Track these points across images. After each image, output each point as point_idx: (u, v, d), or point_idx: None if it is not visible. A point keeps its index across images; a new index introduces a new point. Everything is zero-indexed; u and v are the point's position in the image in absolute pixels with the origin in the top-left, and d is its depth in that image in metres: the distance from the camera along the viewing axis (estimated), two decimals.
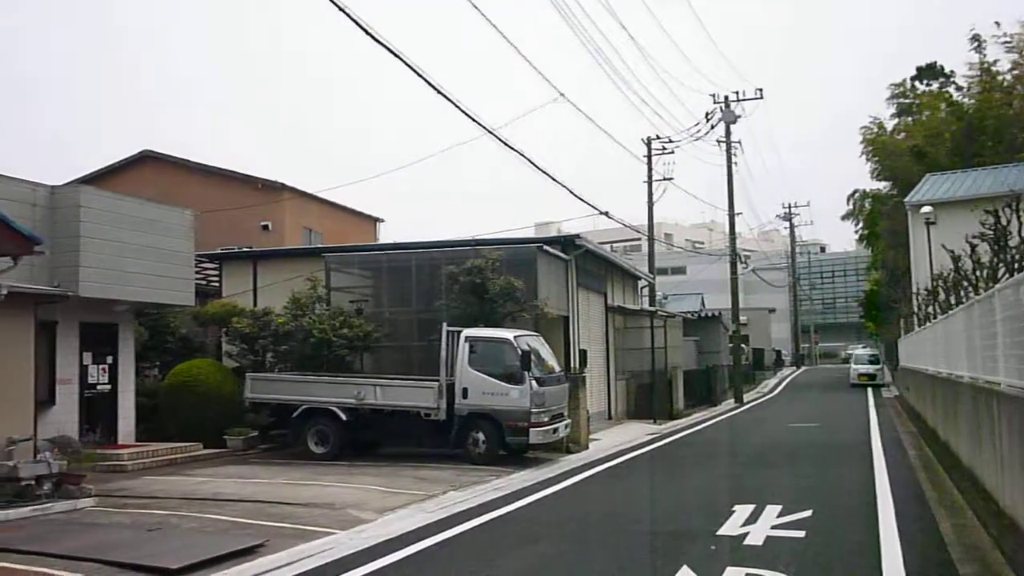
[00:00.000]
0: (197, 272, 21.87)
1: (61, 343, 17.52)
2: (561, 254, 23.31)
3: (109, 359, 18.92)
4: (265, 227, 32.21)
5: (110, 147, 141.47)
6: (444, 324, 18.57)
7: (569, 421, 19.14)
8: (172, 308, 21.26)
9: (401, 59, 13.12)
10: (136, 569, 8.80)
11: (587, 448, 20.29)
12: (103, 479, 15.10)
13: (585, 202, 33.31)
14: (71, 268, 16.60)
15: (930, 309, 22.13)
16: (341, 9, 11.42)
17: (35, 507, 12.20)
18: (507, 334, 18.30)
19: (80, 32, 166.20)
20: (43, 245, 14.07)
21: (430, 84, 14.02)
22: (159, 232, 18.71)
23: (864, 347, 60.74)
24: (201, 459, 18.67)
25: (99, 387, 18.62)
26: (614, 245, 66.33)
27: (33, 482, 12.71)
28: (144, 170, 33.88)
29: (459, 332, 18.31)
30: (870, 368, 48.63)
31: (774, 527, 10.51)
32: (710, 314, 44.52)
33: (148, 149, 34.80)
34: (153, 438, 19.57)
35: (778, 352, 74.97)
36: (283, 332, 20.77)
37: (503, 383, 17.58)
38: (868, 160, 44.33)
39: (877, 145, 43.51)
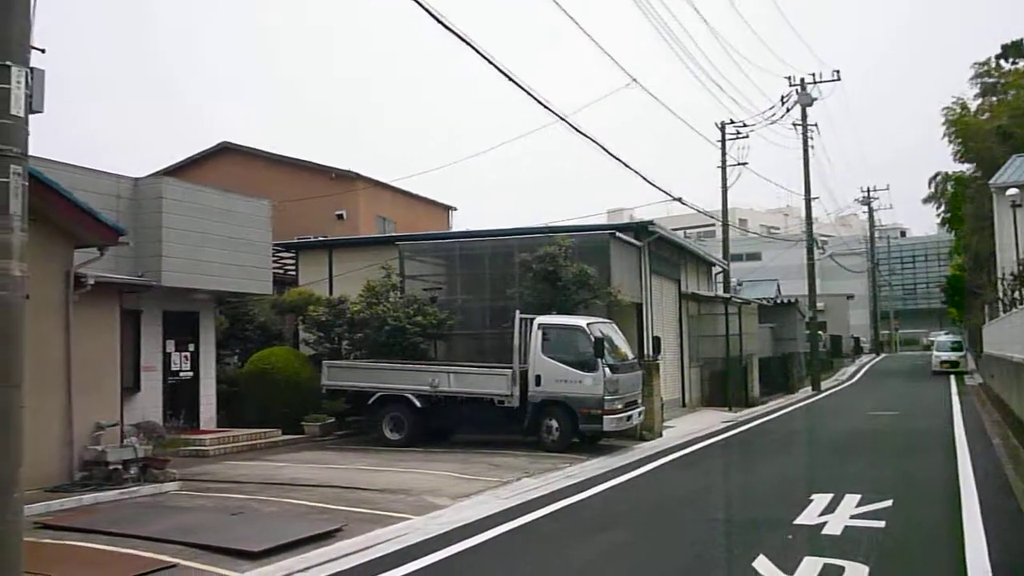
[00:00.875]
0: (274, 261, 22.26)
1: (145, 331, 18.01)
2: (634, 241, 23.17)
3: (191, 347, 19.38)
4: (339, 216, 32.61)
5: (187, 142, 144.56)
6: (517, 311, 18.62)
7: (643, 408, 19.05)
8: (251, 297, 21.70)
9: (472, 46, 13.16)
10: (220, 551, 9.01)
11: (661, 436, 20.18)
12: (186, 464, 15.49)
13: (658, 188, 33.16)
14: (154, 258, 17.04)
15: (1016, 294, 21.49)
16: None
17: (122, 490, 12.57)
18: (580, 321, 18.28)
19: (148, 31, 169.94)
20: (127, 236, 14.47)
21: (501, 71, 14.04)
22: (238, 222, 19.09)
23: (946, 334, 59.19)
24: (279, 445, 19.03)
25: (181, 374, 19.09)
26: (687, 231, 65.79)
27: (120, 466, 13.12)
28: (222, 162, 34.58)
29: (532, 319, 18.33)
30: (953, 355, 47.37)
31: (853, 516, 10.35)
32: (786, 300, 43.80)
33: (226, 141, 35.48)
34: (233, 424, 20.02)
35: (856, 339, 73.54)
36: (358, 320, 21.03)
37: (576, 370, 17.56)
38: (951, 142, 43.14)
39: (960, 126, 42.29)
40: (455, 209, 40.79)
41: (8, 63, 5.44)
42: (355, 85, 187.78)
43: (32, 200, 5.79)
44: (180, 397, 18.96)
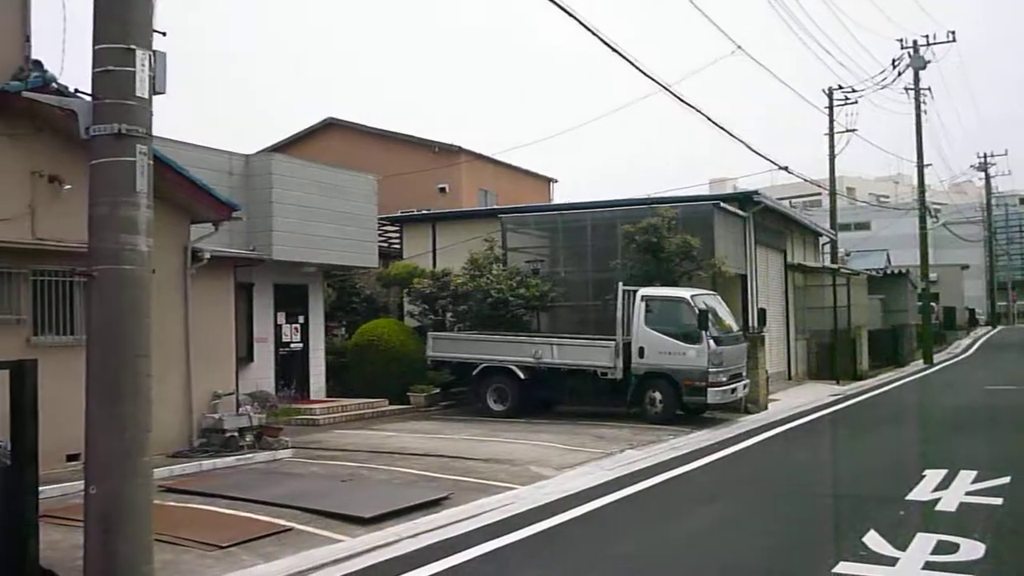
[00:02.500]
0: (379, 235, 22.62)
1: (257, 304, 18.55)
2: (738, 211, 22.81)
3: (300, 319, 19.91)
4: (442, 190, 32.91)
5: (294, 118, 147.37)
6: (620, 283, 18.56)
7: (748, 381, 18.83)
8: (357, 270, 22.13)
9: (575, 18, 13.08)
10: (333, 516, 9.29)
11: (766, 409, 19.92)
12: (297, 432, 15.96)
13: (764, 157, 32.38)
14: (265, 232, 17.52)
15: None
16: None
17: (238, 457, 13.05)
18: (684, 293, 18.13)
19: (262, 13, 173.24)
20: (240, 211, 14.90)
21: (605, 42, 13.93)
22: (345, 197, 19.47)
23: None
24: (386, 415, 19.44)
25: (292, 345, 19.64)
26: (792, 201, 64.28)
27: (236, 434, 13.60)
28: (328, 137, 35.19)
29: (635, 291, 18.25)
30: None
31: (968, 493, 10.08)
32: (897, 271, 42.56)
33: (331, 117, 36.08)
34: (341, 394, 20.51)
35: (971, 311, 71.04)
36: (462, 292, 21.26)
37: (680, 342, 17.45)
38: None
39: None
40: (556, 181, 40.77)
41: (132, 47, 5.67)
42: (455, 60, 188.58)
43: (152, 178, 6.03)
44: (290, 368, 19.52)
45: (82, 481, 10.31)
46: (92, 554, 5.36)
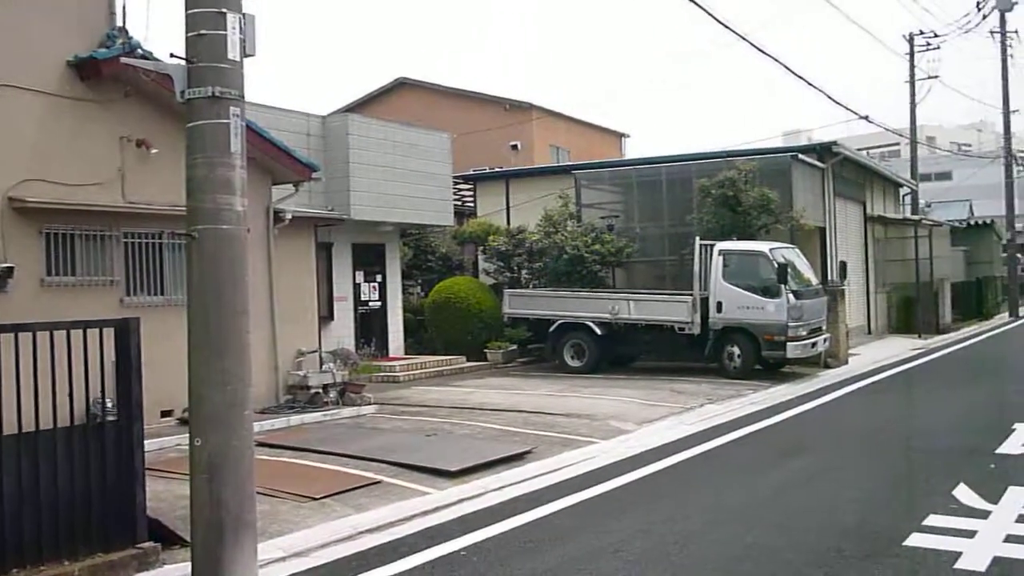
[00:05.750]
0: (453, 193, 22.74)
1: (336, 263, 18.86)
2: (817, 162, 22.39)
3: (378, 277, 20.18)
4: (514, 147, 32.88)
5: (363, 80, 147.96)
6: (697, 238, 18.42)
7: (828, 335, 18.59)
8: (433, 228, 22.30)
9: None
10: (419, 470, 9.49)
11: (846, 363, 19.66)
12: (378, 389, 16.24)
13: (844, 107, 31.72)
14: (343, 193, 17.75)
15: None
16: None
17: (324, 412, 13.36)
18: (762, 247, 17.92)
19: None
20: (318, 172, 15.10)
21: None
22: (420, 156, 19.59)
23: None
24: (464, 371, 19.66)
25: (371, 304, 19.93)
26: (870, 152, 62.73)
27: (321, 390, 13.91)
28: (400, 97, 35.35)
29: (712, 246, 18.10)
30: None
31: None
32: (980, 222, 41.40)
33: (403, 76, 36.22)
34: (419, 352, 20.81)
35: None
36: (537, 249, 21.32)
37: (759, 296, 17.29)
38: None
39: None
40: (628, 136, 40.53)
41: (224, 10, 5.76)
42: (524, 13, 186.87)
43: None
44: (370, 325, 19.83)
45: (176, 436, 10.84)
46: (198, 503, 5.55)
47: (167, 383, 9.42)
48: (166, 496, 8.00)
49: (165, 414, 11.97)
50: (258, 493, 6.45)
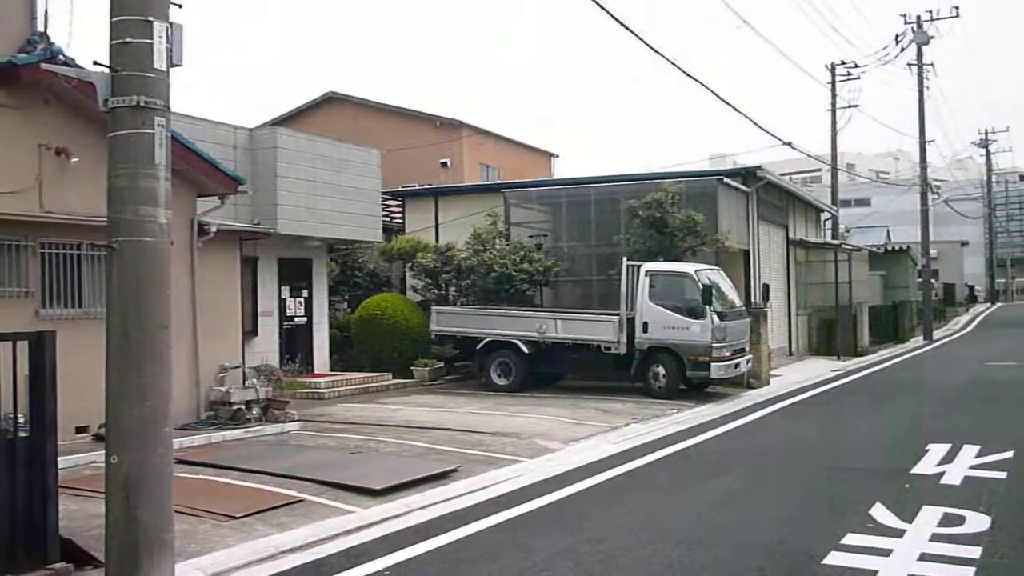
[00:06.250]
0: (382, 209, 22.61)
1: (262, 277, 18.58)
2: (741, 186, 22.81)
3: (305, 293, 19.93)
4: (444, 164, 32.86)
5: (292, 94, 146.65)
6: (624, 258, 18.59)
7: (750, 356, 18.91)
8: (361, 244, 22.16)
9: None
10: (344, 488, 9.36)
11: (768, 384, 20.01)
12: (303, 406, 16.02)
13: (768, 132, 32.25)
14: (270, 206, 17.51)
15: None
16: None
17: (247, 429, 13.12)
18: (688, 268, 18.17)
19: None
20: (245, 185, 14.89)
21: (612, 16, 13.86)
22: (349, 171, 19.44)
23: None
24: (391, 388, 19.51)
25: (296, 319, 19.67)
26: (793, 177, 64.15)
27: (243, 406, 13.67)
28: (330, 111, 35.10)
29: (639, 266, 18.29)
30: None
31: (972, 467, 10.20)
32: (897, 247, 42.61)
33: (333, 91, 35.98)
34: (345, 368, 20.60)
35: (971, 287, 71.15)
36: (465, 267, 21.29)
37: (684, 317, 17.51)
38: None
39: None
40: (557, 156, 40.73)
41: (151, 18, 5.67)
42: (456, 32, 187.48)
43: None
44: (295, 341, 19.56)
45: (91, 452, 10.54)
46: (114, 522, 5.42)
47: (83, 398, 9.16)
48: (80, 515, 7.76)
49: (80, 430, 11.65)
50: (177, 512, 6.31)
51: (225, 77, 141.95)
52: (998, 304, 72.96)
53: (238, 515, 8.19)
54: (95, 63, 5.74)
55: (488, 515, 8.27)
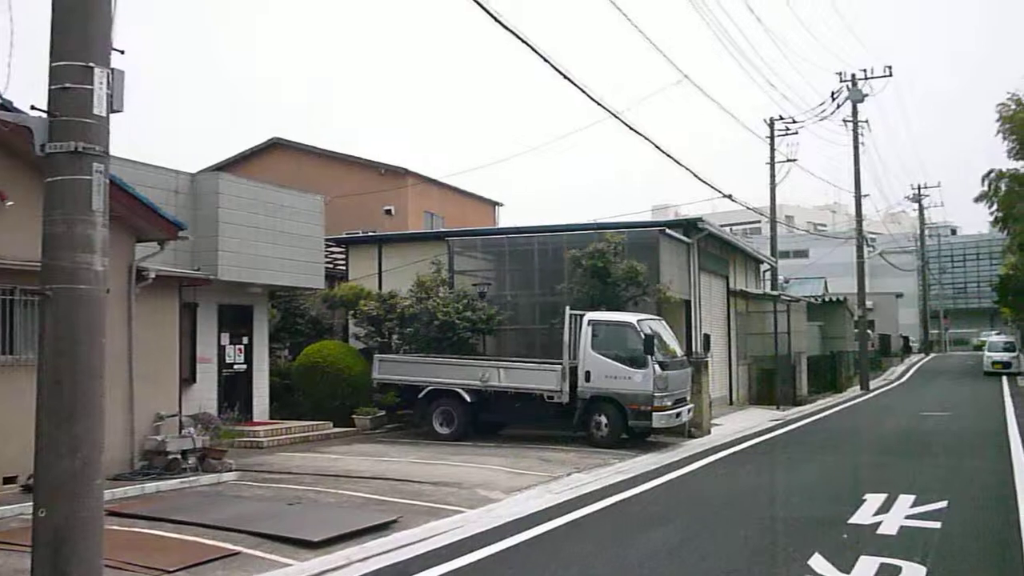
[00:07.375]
0: (325, 256, 22.49)
1: (201, 324, 18.30)
2: (683, 237, 23.13)
3: (245, 340, 19.67)
4: (388, 211, 32.87)
5: (235, 140, 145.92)
6: (567, 307, 18.68)
7: (692, 406, 19.03)
8: (303, 291, 21.96)
9: (526, 43, 13.22)
10: (281, 540, 9.19)
11: (709, 433, 20.13)
12: (242, 455, 15.75)
13: (709, 185, 33.09)
14: (211, 252, 17.32)
15: None
16: None
17: (182, 479, 12.85)
18: (630, 318, 18.30)
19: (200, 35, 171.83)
20: (185, 230, 14.71)
21: (557, 69, 14.08)
22: (292, 217, 19.33)
23: (999, 334, 58.27)
24: (332, 437, 19.26)
25: (236, 366, 19.38)
26: (733, 228, 65.28)
27: (179, 456, 13.38)
28: (273, 157, 34.99)
29: (582, 315, 18.37)
30: (1005, 356, 46.69)
31: (908, 517, 10.33)
32: (834, 298, 43.39)
33: (277, 137, 35.90)
34: (285, 416, 20.31)
35: (906, 338, 72.52)
36: (408, 315, 21.20)
37: (626, 367, 17.59)
38: (1005, 139, 42.18)
39: (1015, 123, 41.42)
40: (501, 205, 41.02)
41: (91, 64, 5.62)
42: (401, 81, 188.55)
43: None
44: (234, 389, 19.26)
45: (19, 504, 10.22)
46: None
47: (11, 447, 8.95)
48: (5, 570, 7.53)
49: (8, 480, 11.31)
50: (107, 566, 6.13)
51: (170, 123, 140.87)
52: (932, 355, 74.48)
53: (171, 569, 7.99)
54: (32, 108, 5.66)
55: (428, 567, 8.17)
